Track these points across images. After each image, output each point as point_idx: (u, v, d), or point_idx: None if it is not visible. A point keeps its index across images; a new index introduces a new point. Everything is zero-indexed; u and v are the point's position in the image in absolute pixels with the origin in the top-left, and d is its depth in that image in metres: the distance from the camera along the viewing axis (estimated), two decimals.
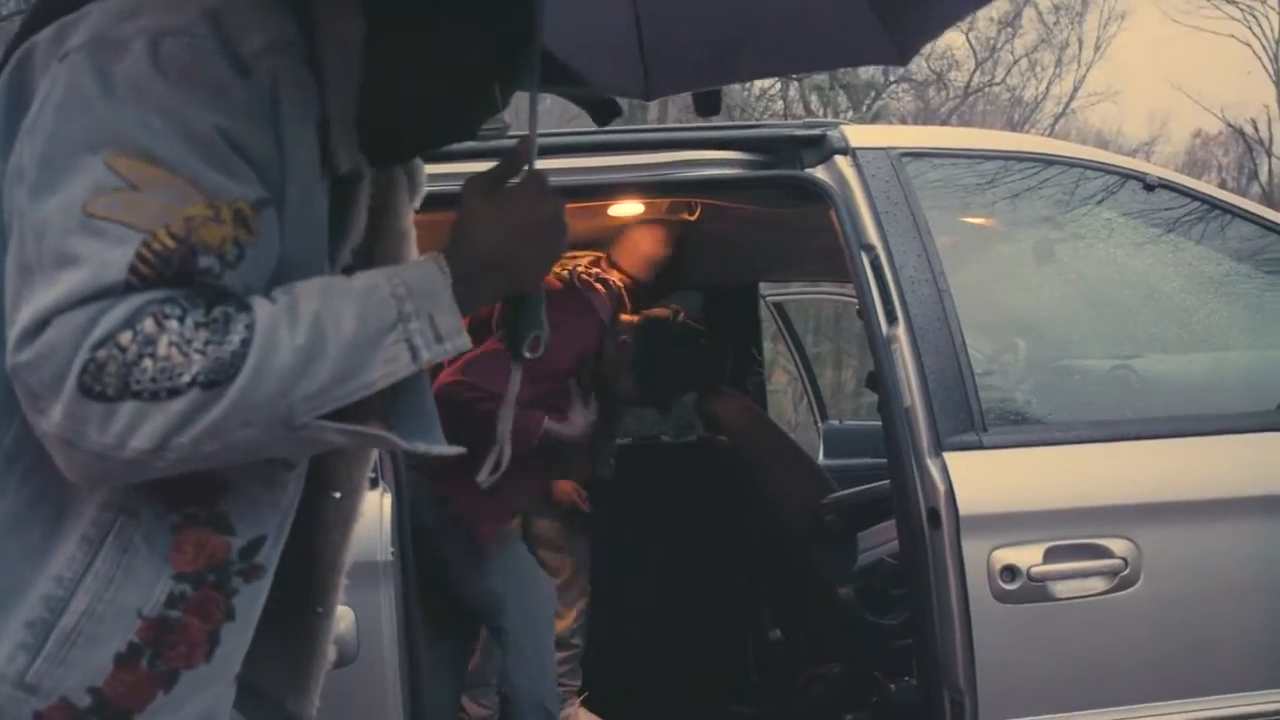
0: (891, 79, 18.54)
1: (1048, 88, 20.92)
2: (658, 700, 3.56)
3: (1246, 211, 2.48)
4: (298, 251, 1.04)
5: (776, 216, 2.96)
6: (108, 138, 0.95)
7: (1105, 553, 2.07)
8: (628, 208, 3.01)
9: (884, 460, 2.22)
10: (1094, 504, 2.11)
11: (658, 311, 3.00)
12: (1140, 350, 2.63)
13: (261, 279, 1.00)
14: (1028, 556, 2.04)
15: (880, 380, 2.17)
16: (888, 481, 2.28)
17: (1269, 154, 19.45)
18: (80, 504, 1.01)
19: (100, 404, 0.90)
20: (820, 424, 4.84)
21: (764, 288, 4.51)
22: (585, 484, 3.29)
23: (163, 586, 1.02)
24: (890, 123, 16.41)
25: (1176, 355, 2.63)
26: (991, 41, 19.93)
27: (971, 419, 2.11)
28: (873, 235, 2.22)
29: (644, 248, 3.06)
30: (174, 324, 0.92)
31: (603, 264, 3.03)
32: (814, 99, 15.98)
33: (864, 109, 16.54)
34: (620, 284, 3.00)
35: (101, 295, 0.91)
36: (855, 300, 2.37)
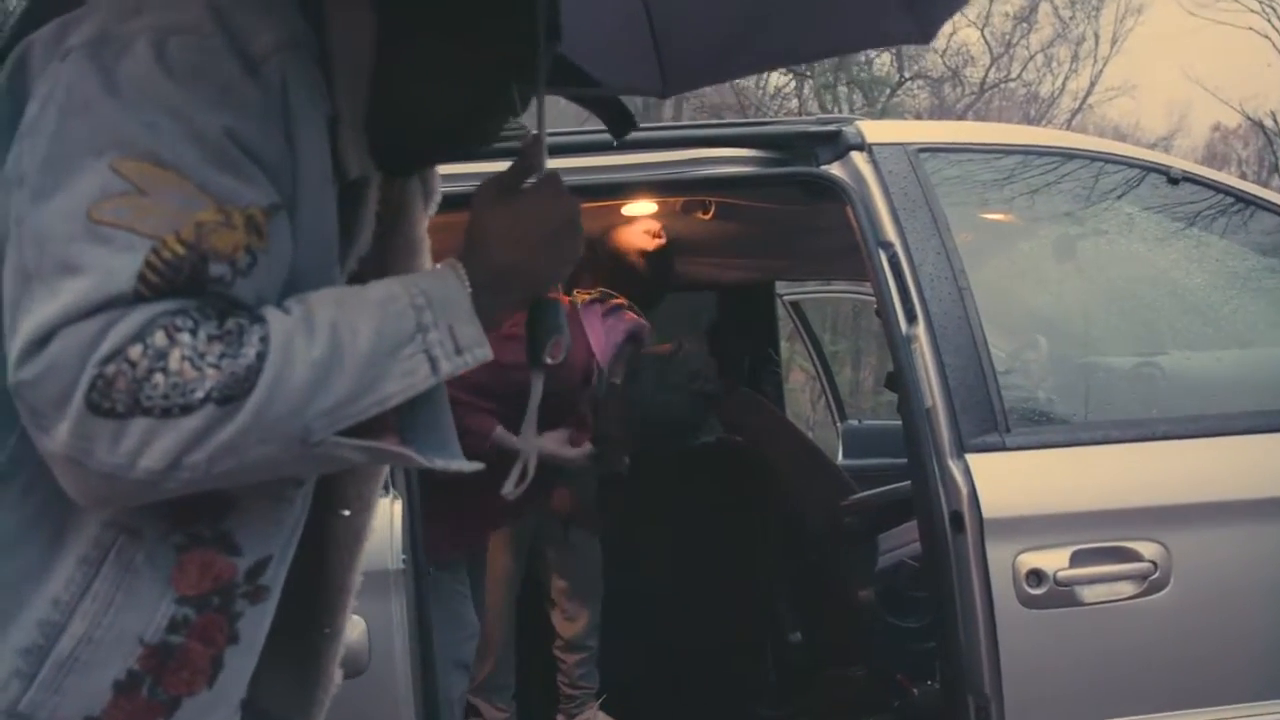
0: (906, 75, 18.48)
1: (1064, 83, 20.81)
2: (675, 702, 3.52)
3: (1273, 204, 2.43)
4: (308, 260, 1.00)
5: (792, 214, 2.92)
6: (113, 140, 0.91)
7: (1134, 556, 2.03)
8: (639, 207, 2.97)
9: (904, 461, 2.18)
10: (1121, 506, 2.07)
11: (658, 349, 2.78)
12: (1166, 347, 2.58)
13: (274, 288, 0.96)
14: (1054, 560, 2.00)
15: (900, 380, 2.13)
16: (908, 483, 2.25)
17: None
18: (81, 522, 0.98)
19: (110, 421, 0.87)
20: (839, 424, 4.81)
21: (781, 286, 4.47)
22: (600, 482, 3.24)
23: (165, 610, 0.99)
24: (904, 119, 16.35)
25: (1203, 352, 2.59)
26: (1007, 37, 19.85)
27: (994, 419, 2.07)
28: (890, 232, 2.18)
29: (635, 242, 2.97)
30: (186, 337, 0.88)
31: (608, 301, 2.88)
32: (827, 98, 15.93)
33: (878, 107, 16.47)
34: (631, 317, 2.83)
35: (109, 306, 0.87)
36: (873, 299, 2.33)
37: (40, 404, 0.88)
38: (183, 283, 0.90)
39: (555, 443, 2.63)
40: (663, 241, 2.98)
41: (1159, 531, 2.04)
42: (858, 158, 2.27)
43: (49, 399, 0.87)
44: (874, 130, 2.33)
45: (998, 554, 1.99)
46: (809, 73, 16.73)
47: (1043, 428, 2.17)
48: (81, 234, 0.89)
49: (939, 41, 19.37)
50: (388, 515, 1.90)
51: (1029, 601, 1.99)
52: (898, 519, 2.78)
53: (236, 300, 0.93)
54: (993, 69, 19.78)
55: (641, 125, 1.86)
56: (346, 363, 0.92)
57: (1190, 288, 2.57)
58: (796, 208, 2.78)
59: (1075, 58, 20.55)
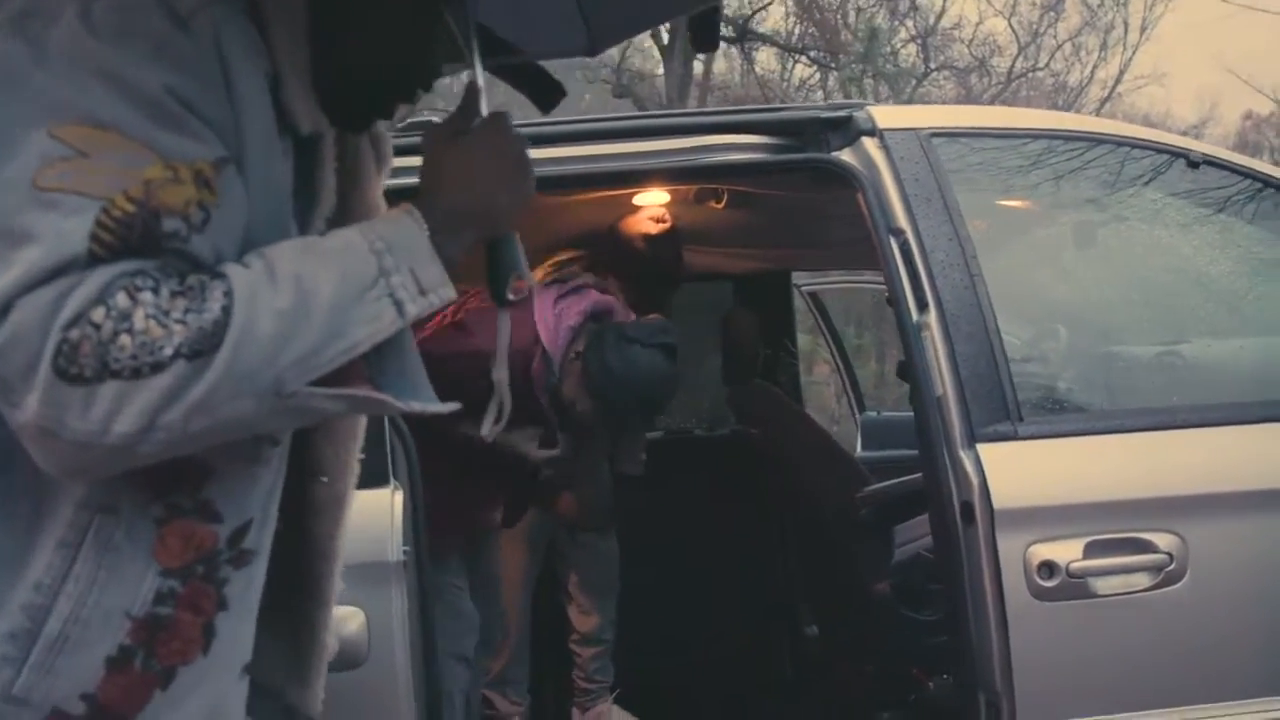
0: (932, 66, 18.34)
1: (1093, 72, 20.53)
2: (691, 696, 3.51)
3: None
4: (263, 215, 1.00)
5: (805, 202, 2.89)
6: (47, 107, 0.91)
7: (1149, 547, 1.99)
8: (651, 196, 2.94)
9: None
10: (1136, 496, 2.02)
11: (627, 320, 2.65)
12: (1188, 335, 2.53)
13: (232, 244, 0.96)
14: (1067, 552, 1.96)
15: (911, 369, 2.10)
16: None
17: None
18: (56, 504, 0.97)
19: (79, 387, 0.86)
20: (858, 415, 4.77)
21: (798, 277, 4.43)
22: (616, 480, 3.22)
23: (150, 584, 0.99)
24: None
25: (1226, 340, 2.53)
26: (1034, 26, 19.64)
27: (1006, 408, 2.03)
28: (902, 219, 2.15)
29: (639, 227, 2.94)
30: (148, 295, 0.88)
31: (596, 271, 2.82)
32: (853, 90, 15.83)
33: (903, 98, 16.34)
34: (616, 290, 2.77)
35: (64, 270, 0.87)
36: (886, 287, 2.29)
37: (7, 376, 0.87)
38: (136, 241, 0.89)
39: (523, 440, 2.56)
40: (667, 225, 2.94)
41: (1174, 522, 2.00)
42: (869, 143, 2.24)
43: (15, 370, 0.87)
44: (885, 115, 2.29)
45: (1009, 545, 1.95)
46: (834, 65, 16.65)
47: (1056, 417, 2.13)
48: (29, 203, 0.88)
49: (965, 31, 19.24)
50: (388, 507, 1.89)
51: (1041, 594, 1.95)
52: (914, 511, 2.74)
53: (195, 258, 0.92)
54: (1020, 58, 19.60)
55: (650, 113, 1.83)
56: (313, 311, 0.92)
57: (1214, 275, 2.52)
58: (810, 195, 2.75)
59: (1104, 46, 20.30)
